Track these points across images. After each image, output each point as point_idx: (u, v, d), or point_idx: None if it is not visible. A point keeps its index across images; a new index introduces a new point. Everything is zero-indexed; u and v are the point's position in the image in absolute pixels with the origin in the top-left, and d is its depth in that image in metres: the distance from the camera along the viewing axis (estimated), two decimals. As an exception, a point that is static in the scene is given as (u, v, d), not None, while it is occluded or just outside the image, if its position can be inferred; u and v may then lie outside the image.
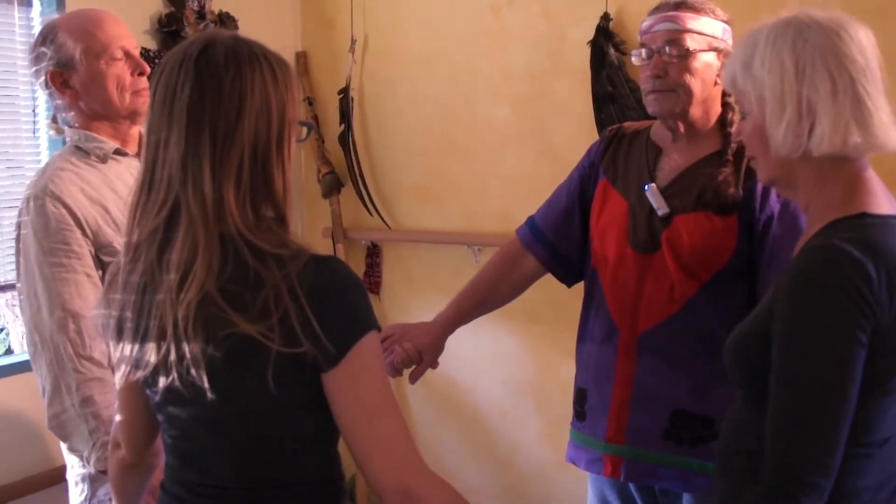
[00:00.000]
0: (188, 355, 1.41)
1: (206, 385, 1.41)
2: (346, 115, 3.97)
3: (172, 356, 1.42)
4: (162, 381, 1.46)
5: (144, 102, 2.23)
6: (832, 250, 1.49)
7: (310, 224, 4.21)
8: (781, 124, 1.56)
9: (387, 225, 3.97)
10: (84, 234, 2.14)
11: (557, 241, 2.39)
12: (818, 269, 1.48)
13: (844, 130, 1.53)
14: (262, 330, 1.37)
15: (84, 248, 2.13)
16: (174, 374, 1.43)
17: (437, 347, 2.39)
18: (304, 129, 1.61)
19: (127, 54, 2.24)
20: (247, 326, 1.37)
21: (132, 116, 2.26)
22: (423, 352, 2.36)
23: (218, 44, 1.45)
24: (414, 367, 2.37)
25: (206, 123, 1.41)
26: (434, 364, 2.41)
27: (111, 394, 2.08)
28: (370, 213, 3.99)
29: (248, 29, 3.53)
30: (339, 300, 1.41)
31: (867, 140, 1.54)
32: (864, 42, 1.57)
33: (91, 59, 2.19)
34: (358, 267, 4.06)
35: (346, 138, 3.99)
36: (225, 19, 3.73)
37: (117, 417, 1.69)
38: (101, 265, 2.16)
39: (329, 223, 4.10)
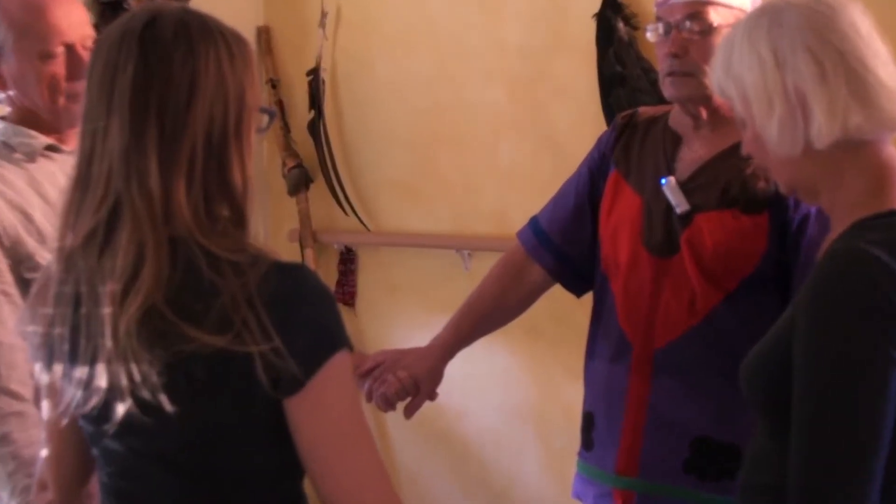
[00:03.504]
0: (137, 378, 1.40)
1: (170, 408, 1.41)
2: (316, 100, 3.97)
3: (122, 380, 1.41)
4: (111, 409, 1.45)
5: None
6: (857, 254, 1.49)
7: (273, 226, 4.20)
8: (772, 122, 1.58)
9: (364, 226, 3.96)
10: None
11: (566, 247, 2.40)
12: (842, 276, 1.48)
13: (843, 112, 1.55)
14: (229, 341, 1.37)
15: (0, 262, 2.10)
16: (125, 401, 1.42)
17: (436, 376, 2.40)
18: (267, 117, 1.61)
19: (69, 50, 2.17)
20: (210, 339, 1.37)
21: (65, 123, 2.20)
22: (419, 381, 2.37)
23: (165, 17, 1.45)
24: (409, 399, 2.38)
25: (153, 109, 1.41)
26: (433, 395, 2.42)
27: (34, 430, 2.04)
28: (345, 213, 3.98)
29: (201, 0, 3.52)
30: (304, 314, 1.41)
31: (873, 117, 1.56)
32: (850, 11, 1.59)
33: (23, 52, 2.14)
34: (330, 275, 4.06)
35: (316, 126, 3.98)
36: (175, -11, 3.72)
37: (43, 453, 1.67)
38: (21, 283, 2.11)
39: (296, 224, 4.09)
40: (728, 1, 2.14)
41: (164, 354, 1.40)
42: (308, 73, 3.99)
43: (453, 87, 3.79)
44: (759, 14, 1.63)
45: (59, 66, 2.16)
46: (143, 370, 1.40)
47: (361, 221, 3.97)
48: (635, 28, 3.36)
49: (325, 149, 3.98)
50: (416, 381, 2.36)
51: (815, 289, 1.50)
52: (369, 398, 2.37)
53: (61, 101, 2.18)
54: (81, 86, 2.15)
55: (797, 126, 1.57)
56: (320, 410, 1.42)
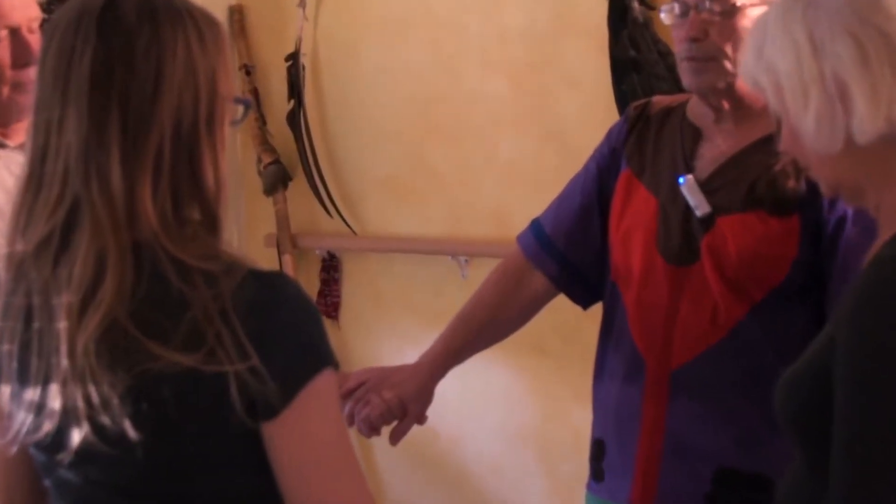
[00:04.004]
0: (96, 401, 1.39)
1: (134, 435, 1.40)
2: (296, 89, 3.97)
3: (78, 403, 1.41)
4: (66, 436, 1.44)
5: (28, 100, 2.19)
6: None
7: (248, 229, 4.20)
8: (809, 114, 1.58)
9: (350, 229, 3.96)
10: None
11: (572, 252, 2.40)
12: (890, 287, 1.48)
13: (889, 102, 1.54)
14: (200, 360, 1.37)
15: None
16: (84, 427, 1.41)
17: (425, 396, 2.40)
18: (241, 108, 1.61)
19: (13, 34, 2.17)
20: (179, 357, 1.37)
21: (10, 115, 2.20)
22: (407, 402, 2.37)
23: None
24: (396, 422, 2.38)
25: (114, 99, 1.41)
26: (422, 419, 2.42)
27: None
28: (328, 214, 3.98)
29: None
30: (284, 328, 1.41)
31: None
32: None
33: None
34: (311, 284, 4.06)
35: (296, 118, 3.98)
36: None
37: None
38: None
39: (273, 228, 4.09)
40: (753, -23, 2.15)
41: (127, 375, 1.39)
42: (287, 59, 3.99)
43: (448, 74, 3.79)
44: None
45: (2, 52, 2.16)
46: (102, 392, 1.40)
47: (347, 224, 3.97)
48: (651, 7, 3.36)
49: (307, 143, 3.98)
50: (403, 402, 2.35)
51: (859, 300, 1.50)
52: (351, 422, 2.36)
53: (5, 91, 2.18)
54: (28, 74, 2.16)
55: (837, 118, 1.56)
56: (302, 436, 1.41)
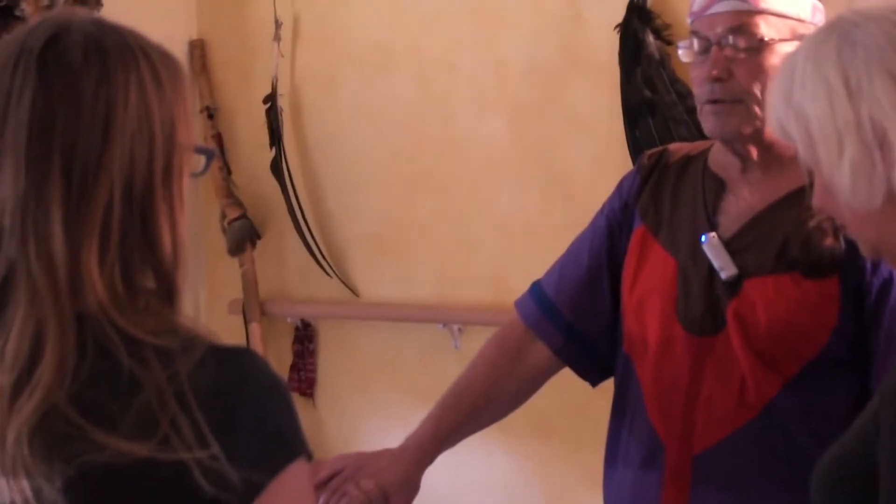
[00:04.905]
0: (29, 496, 1.38)
1: None
2: (276, 135, 3.98)
3: (8, 499, 1.40)
4: None
5: None
6: None
7: (210, 294, 4.21)
8: (843, 165, 1.58)
9: (352, 291, 3.94)
10: None
11: (578, 321, 2.40)
12: None
13: None
14: (154, 448, 1.36)
15: None
16: None
17: (411, 486, 2.39)
18: (203, 158, 1.60)
19: None
20: (128, 447, 1.36)
21: None
22: (389, 493, 2.35)
23: (73, 32, 1.45)
24: (377, 516, 2.37)
25: (57, 150, 1.40)
26: None
27: None
28: (327, 274, 3.97)
29: (118, 8, 3.52)
30: (249, 414, 1.41)
31: None
32: None
33: None
34: (282, 357, 4.06)
35: (278, 166, 3.99)
36: (82, -8, 3.72)
37: None
38: None
39: (238, 293, 4.09)
40: (783, 8, 2.16)
41: (67, 467, 1.38)
42: (265, 101, 4.01)
43: (440, 116, 3.82)
44: (827, 31, 1.63)
45: None
46: (37, 487, 1.38)
47: (346, 285, 3.94)
48: (668, 42, 3.39)
49: (293, 194, 3.98)
50: (384, 493, 2.33)
51: None
52: None
53: None
54: None
55: (875, 170, 1.56)
56: None
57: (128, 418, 1.37)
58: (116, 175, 1.41)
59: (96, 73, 1.42)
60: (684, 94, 3.32)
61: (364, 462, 2.38)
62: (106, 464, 1.37)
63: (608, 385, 2.44)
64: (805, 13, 2.17)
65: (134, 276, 1.44)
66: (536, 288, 2.47)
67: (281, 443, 1.43)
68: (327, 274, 3.96)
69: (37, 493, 1.39)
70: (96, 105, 1.41)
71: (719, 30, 2.16)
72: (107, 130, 1.41)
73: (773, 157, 2.20)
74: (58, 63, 1.42)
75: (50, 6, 3.57)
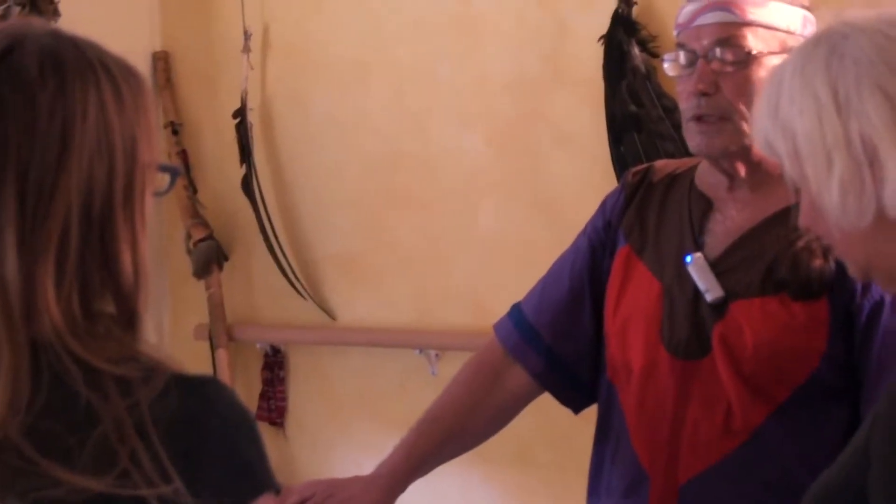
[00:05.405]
0: None
1: None
2: (246, 151, 3.98)
3: None
4: None
5: None
6: None
7: (175, 319, 4.20)
8: (832, 183, 1.57)
9: (329, 315, 3.93)
10: None
11: (559, 345, 2.41)
12: None
13: None
14: (112, 484, 1.35)
15: None
16: None
17: (383, 513, 2.38)
18: (168, 176, 1.61)
19: None
20: (85, 482, 1.35)
21: None
22: None
23: (28, 44, 1.44)
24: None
25: (10, 170, 1.40)
26: None
27: None
28: (301, 296, 3.96)
29: (77, 18, 3.52)
30: (214, 448, 1.41)
31: None
32: None
33: None
34: (250, 385, 4.05)
35: (249, 184, 4.00)
36: (39, 2, 3.71)
37: None
38: None
39: (204, 317, 4.08)
40: (772, 20, 2.17)
41: (19, 503, 1.38)
42: (234, 115, 4.01)
43: (417, 131, 3.82)
44: (814, 43, 1.62)
45: None
46: None
47: (323, 309, 3.93)
48: (655, 55, 3.39)
49: (264, 214, 3.98)
50: None
51: None
52: None
53: None
54: None
55: (865, 188, 1.57)
56: None
57: (85, 452, 1.36)
58: (74, 195, 1.41)
59: (52, 87, 1.42)
60: (671, 109, 3.32)
61: (334, 489, 2.37)
62: (62, 499, 1.37)
63: (591, 411, 2.44)
64: (795, 25, 2.18)
65: (92, 300, 1.43)
66: (516, 310, 2.48)
67: (247, 477, 1.43)
68: (301, 296, 3.96)
69: None
70: (52, 122, 1.41)
71: (706, 42, 2.17)
72: (64, 148, 1.41)
73: (762, 175, 2.21)
74: (11, 77, 1.42)
75: (4, 17, 3.57)
